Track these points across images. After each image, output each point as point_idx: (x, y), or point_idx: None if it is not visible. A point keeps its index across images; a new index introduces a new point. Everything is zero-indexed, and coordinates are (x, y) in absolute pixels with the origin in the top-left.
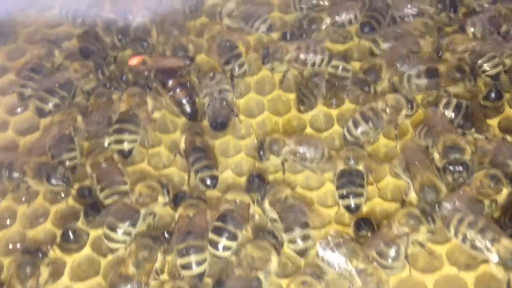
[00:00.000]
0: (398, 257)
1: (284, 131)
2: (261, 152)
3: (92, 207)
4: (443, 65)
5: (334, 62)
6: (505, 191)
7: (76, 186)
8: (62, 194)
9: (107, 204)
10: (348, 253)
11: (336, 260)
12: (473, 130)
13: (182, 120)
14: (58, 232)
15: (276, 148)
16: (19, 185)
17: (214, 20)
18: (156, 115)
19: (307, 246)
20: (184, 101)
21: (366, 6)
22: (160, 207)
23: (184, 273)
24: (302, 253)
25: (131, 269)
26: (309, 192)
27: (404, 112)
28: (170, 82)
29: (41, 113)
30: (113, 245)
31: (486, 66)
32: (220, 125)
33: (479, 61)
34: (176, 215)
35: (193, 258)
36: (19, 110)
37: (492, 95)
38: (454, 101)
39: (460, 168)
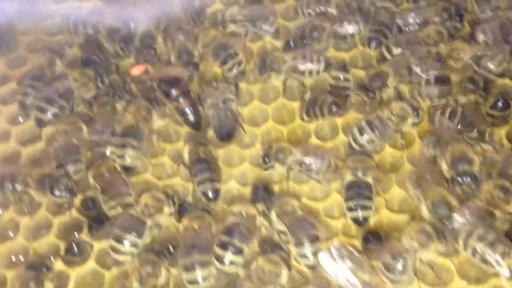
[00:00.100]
0: (405, 271)
1: (288, 140)
2: (267, 159)
3: (96, 220)
4: (454, 74)
5: (334, 73)
6: None
7: (80, 197)
8: (66, 205)
9: (112, 216)
10: (353, 265)
11: (340, 271)
12: (475, 133)
13: (185, 130)
14: (62, 245)
15: (281, 157)
16: (22, 197)
17: (216, 27)
18: (160, 123)
19: (318, 261)
20: (187, 110)
21: (370, 21)
22: (165, 218)
23: None
24: (312, 267)
25: (135, 285)
26: (315, 202)
27: (410, 120)
28: (173, 92)
29: (40, 123)
30: (119, 257)
31: (490, 64)
32: (226, 136)
33: (482, 61)
34: (181, 227)
35: (199, 273)
36: (21, 119)
37: (500, 104)
38: (460, 109)
39: (469, 179)
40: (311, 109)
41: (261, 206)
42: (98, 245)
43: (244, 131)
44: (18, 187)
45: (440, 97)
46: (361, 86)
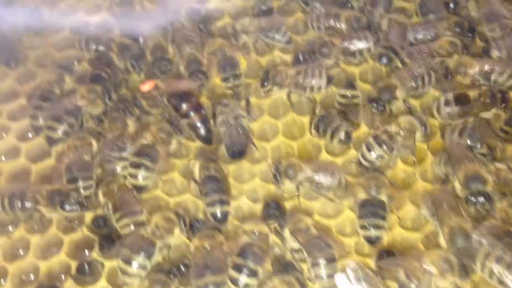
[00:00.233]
0: None
1: (299, 155)
2: (277, 175)
3: (107, 238)
4: (471, 91)
5: (341, 91)
6: None
7: (90, 215)
8: (76, 222)
9: (124, 235)
10: (369, 287)
11: None
12: (484, 149)
13: (195, 145)
14: (73, 263)
15: (291, 173)
16: (32, 214)
17: (228, 39)
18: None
19: (333, 282)
20: (198, 124)
21: (380, 36)
22: (176, 239)
23: None
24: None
25: None
26: (327, 219)
27: (419, 134)
28: (184, 107)
29: (51, 141)
30: (128, 280)
31: (500, 78)
32: (238, 154)
33: (492, 76)
34: (192, 246)
35: None
36: (30, 135)
37: None
38: (470, 125)
39: (482, 199)
40: (321, 126)
41: (273, 224)
42: (109, 264)
43: (256, 148)
44: (28, 204)
45: (461, 116)
46: (370, 100)
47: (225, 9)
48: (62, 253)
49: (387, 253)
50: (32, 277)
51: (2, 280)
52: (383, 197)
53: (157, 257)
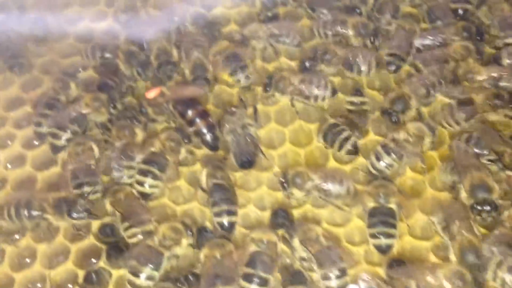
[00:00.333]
0: None
1: (306, 162)
2: (286, 185)
3: (114, 247)
4: (477, 95)
5: (349, 99)
6: None
7: (97, 224)
8: (83, 230)
9: (131, 244)
10: None
11: None
12: (492, 155)
13: (201, 152)
14: (80, 272)
15: (299, 182)
16: (39, 223)
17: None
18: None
19: None
20: (204, 131)
21: (387, 43)
22: (183, 249)
23: None
24: None
25: None
26: (335, 228)
27: (428, 140)
28: (190, 113)
29: (54, 149)
30: None
31: (510, 84)
32: (248, 164)
33: (501, 83)
34: (201, 255)
35: None
36: (36, 143)
37: None
38: (476, 133)
39: (489, 208)
40: (330, 136)
41: (281, 232)
42: (117, 273)
43: (265, 156)
44: (35, 213)
45: (467, 119)
46: (383, 111)
47: (231, 15)
48: (69, 262)
49: (397, 262)
50: (39, 286)
51: None
52: (392, 205)
53: (165, 268)
